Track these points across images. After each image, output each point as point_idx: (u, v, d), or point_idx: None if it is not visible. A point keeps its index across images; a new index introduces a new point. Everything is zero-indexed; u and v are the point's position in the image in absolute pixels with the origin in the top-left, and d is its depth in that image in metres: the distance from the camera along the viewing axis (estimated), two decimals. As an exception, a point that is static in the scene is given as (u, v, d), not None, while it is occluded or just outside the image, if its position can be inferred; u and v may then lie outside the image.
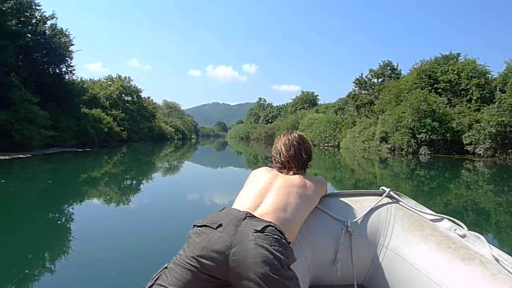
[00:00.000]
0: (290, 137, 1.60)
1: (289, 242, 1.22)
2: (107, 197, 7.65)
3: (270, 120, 79.55)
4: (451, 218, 1.51)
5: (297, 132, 1.66)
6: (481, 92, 25.32)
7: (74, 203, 7.11)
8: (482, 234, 1.39)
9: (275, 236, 1.15)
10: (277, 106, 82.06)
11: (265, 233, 1.14)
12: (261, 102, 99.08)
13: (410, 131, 25.58)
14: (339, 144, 38.32)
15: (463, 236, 1.40)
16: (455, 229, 1.45)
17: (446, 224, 1.50)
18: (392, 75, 36.38)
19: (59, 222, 5.49)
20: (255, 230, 1.15)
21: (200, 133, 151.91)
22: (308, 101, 62.12)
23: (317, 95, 63.34)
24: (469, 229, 1.44)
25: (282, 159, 1.56)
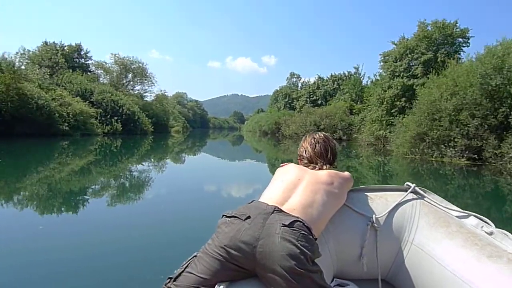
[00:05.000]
0: (315, 137, 1.63)
1: (316, 239, 1.19)
2: (134, 187, 7.06)
3: (319, 101, 40.68)
4: (478, 215, 1.45)
5: (322, 132, 1.70)
6: None
7: (100, 194, 6.26)
8: (510, 232, 1.33)
9: (302, 232, 1.12)
10: (333, 75, 42.55)
11: (292, 228, 1.11)
12: (293, 79, 59.72)
13: None
14: None
15: (491, 234, 1.34)
16: (482, 226, 1.39)
17: (472, 221, 1.44)
18: None
19: (80, 213, 4.74)
20: (282, 224, 1.11)
21: (211, 124, 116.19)
22: (446, 36, 22.24)
23: (467, 28, 23.51)
24: (496, 227, 1.38)
25: (308, 155, 1.57)
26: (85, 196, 6.00)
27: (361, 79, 35.90)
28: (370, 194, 1.59)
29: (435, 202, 1.55)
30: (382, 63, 26.42)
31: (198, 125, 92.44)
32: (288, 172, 1.46)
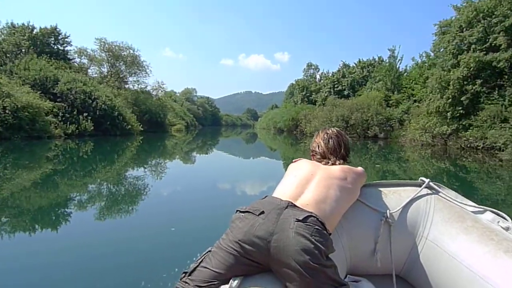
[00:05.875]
0: (328, 132, 1.61)
1: (330, 234, 1.18)
2: (152, 183, 6.96)
3: (345, 92, 33.99)
4: (494, 209, 1.42)
5: (335, 128, 1.67)
6: None
7: (117, 193, 6.22)
8: None
9: (316, 227, 1.11)
10: (361, 61, 35.57)
11: (306, 223, 1.10)
12: (310, 70, 53.04)
13: None
14: None
15: (507, 229, 1.31)
16: (498, 221, 1.36)
17: (488, 216, 1.41)
18: None
19: (99, 212, 4.70)
20: (296, 219, 1.11)
21: (223, 121, 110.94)
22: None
23: None
24: None
25: (321, 150, 1.55)
26: (87, 202, 5.41)
27: (398, 64, 29.12)
28: (384, 190, 1.56)
29: (450, 197, 1.51)
30: (437, 37, 19.76)
31: (208, 123, 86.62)
32: (301, 168, 1.44)
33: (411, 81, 27.73)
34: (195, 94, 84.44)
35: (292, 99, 51.54)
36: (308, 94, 46.21)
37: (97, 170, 9.17)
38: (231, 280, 1.08)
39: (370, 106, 26.18)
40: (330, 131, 1.61)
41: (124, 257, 3.00)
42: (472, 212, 1.43)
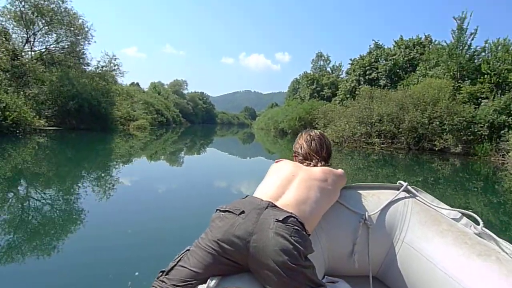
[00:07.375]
0: (311, 134, 1.61)
1: (309, 235, 1.19)
2: (127, 181, 6.56)
3: (381, 82, 23.48)
4: (469, 213, 1.44)
5: (318, 130, 1.68)
6: None
7: (93, 188, 5.74)
8: (499, 231, 1.33)
9: (296, 227, 1.11)
10: (403, 39, 24.75)
11: (286, 224, 1.10)
12: (320, 62, 43.01)
13: None
14: None
15: (480, 232, 1.34)
16: (471, 225, 1.39)
17: (463, 220, 1.43)
18: None
19: (73, 206, 4.51)
20: (276, 219, 1.10)
21: (218, 119, 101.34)
22: None
23: None
24: (485, 226, 1.37)
25: (303, 151, 1.56)
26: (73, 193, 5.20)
27: (469, 39, 18.74)
28: (363, 192, 1.57)
29: (426, 201, 1.53)
30: None
31: (200, 120, 75.92)
32: (283, 168, 1.43)
33: (499, 63, 17.55)
34: (185, 87, 73.52)
35: (298, 94, 41.45)
36: (318, 89, 36.05)
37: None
38: (208, 280, 1.06)
39: (438, 101, 15.85)
40: (313, 133, 1.62)
41: (99, 255, 2.84)
42: (448, 215, 1.44)
